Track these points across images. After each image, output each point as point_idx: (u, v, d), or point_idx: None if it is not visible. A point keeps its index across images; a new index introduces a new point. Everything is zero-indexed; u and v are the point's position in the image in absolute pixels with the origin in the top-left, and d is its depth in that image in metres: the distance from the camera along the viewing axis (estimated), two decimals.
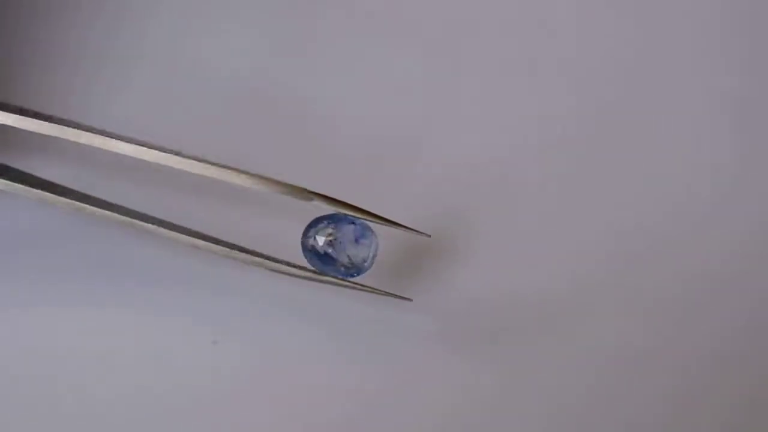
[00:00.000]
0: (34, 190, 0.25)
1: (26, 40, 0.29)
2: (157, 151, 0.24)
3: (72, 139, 0.24)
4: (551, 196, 0.28)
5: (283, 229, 0.26)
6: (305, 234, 0.25)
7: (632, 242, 0.27)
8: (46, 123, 0.24)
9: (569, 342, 0.26)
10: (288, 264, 0.25)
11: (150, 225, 0.25)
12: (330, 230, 0.25)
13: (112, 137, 0.24)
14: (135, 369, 0.25)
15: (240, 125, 0.28)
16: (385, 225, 0.25)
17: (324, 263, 0.25)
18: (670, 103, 0.29)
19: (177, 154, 0.24)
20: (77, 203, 0.25)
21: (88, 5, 0.29)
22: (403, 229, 0.25)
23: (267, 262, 0.25)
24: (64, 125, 0.24)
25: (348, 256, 0.25)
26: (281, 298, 0.26)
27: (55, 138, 0.24)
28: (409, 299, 0.25)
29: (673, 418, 0.25)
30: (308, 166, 0.26)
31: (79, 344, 0.26)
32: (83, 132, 0.24)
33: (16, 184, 0.25)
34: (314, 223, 0.25)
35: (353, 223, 0.25)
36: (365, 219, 0.25)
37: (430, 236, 0.25)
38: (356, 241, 0.25)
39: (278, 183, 0.25)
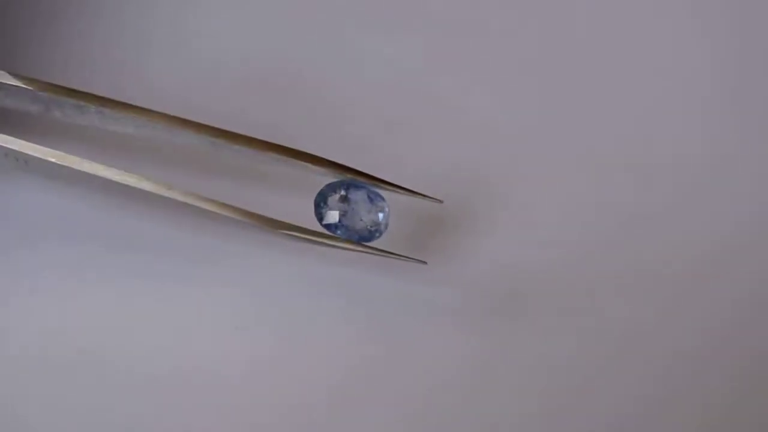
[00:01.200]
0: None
1: (36, 14, 0.30)
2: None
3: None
4: (567, 167, 0.28)
5: (296, 197, 0.26)
6: (317, 204, 0.25)
7: (652, 217, 0.27)
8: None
9: (580, 314, 0.26)
10: (303, 229, 0.25)
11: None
12: (341, 203, 0.25)
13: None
14: (158, 354, 0.26)
15: (253, 91, 0.28)
16: (397, 192, 0.25)
17: (337, 231, 0.25)
18: (676, 77, 0.30)
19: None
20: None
21: None
22: (415, 195, 0.25)
23: (281, 225, 0.25)
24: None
25: (361, 219, 0.25)
26: (302, 283, 0.26)
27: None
28: (424, 262, 0.25)
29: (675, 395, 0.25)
30: (322, 138, 0.27)
31: (101, 331, 0.26)
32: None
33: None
34: (326, 191, 0.25)
35: (364, 188, 0.25)
36: (377, 186, 0.25)
37: (442, 202, 0.26)
38: (368, 207, 0.25)
39: (290, 150, 0.25)
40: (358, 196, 0.25)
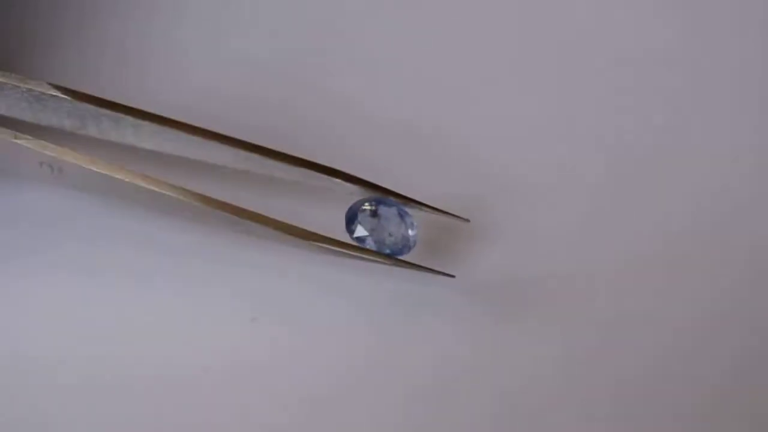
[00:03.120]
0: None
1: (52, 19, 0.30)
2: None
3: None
4: (583, 185, 0.29)
5: (324, 209, 0.27)
6: (348, 219, 0.26)
7: (673, 236, 0.28)
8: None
9: (582, 319, 0.27)
10: (334, 241, 0.26)
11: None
12: (372, 218, 0.26)
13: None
14: (174, 346, 0.26)
15: (276, 108, 0.29)
16: (425, 210, 0.26)
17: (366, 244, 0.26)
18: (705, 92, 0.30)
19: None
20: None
21: None
22: (444, 214, 0.26)
23: (309, 237, 0.26)
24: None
25: (390, 235, 0.26)
26: (319, 275, 0.27)
27: None
28: (452, 276, 0.26)
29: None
30: (345, 151, 0.28)
31: (116, 322, 0.26)
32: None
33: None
34: (356, 207, 0.26)
35: (394, 205, 0.26)
36: (406, 204, 0.26)
37: (469, 221, 0.26)
38: (398, 222, 0.26)
39: (318, 165, 0.26)
40: (388, 212, 0.26)
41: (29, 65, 0.29)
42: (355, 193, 0.26)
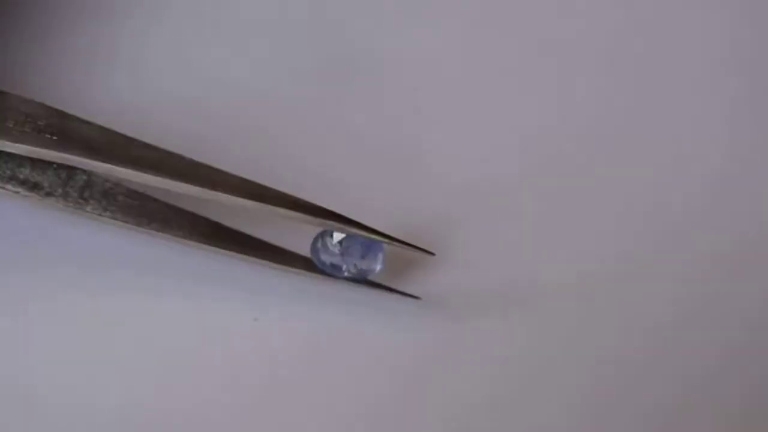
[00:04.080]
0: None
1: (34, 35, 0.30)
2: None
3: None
4: (550, 199, 0.29)
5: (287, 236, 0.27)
6: (314, 249, 0.26)
7: (630, 243, 0.28)
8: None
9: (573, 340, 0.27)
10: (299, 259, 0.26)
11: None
12: (337, 251, 0.26)
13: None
14: (177, 346, 0.27)
15: (239, 127, 0.29)
16: (392, 244, 0.26)
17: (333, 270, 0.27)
18: (673, 97, 0.30)
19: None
20: None
21: None
22: (411, 248, 0.26)
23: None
24: None
25: (355, 265, 0.26)
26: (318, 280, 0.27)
27: None
28: (432, 253, 0.26)
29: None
30: (308, 170, 0.28)
31: (118, 322, 0.27)
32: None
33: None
34: (322, 237, 0.26)
35: (358, 243, 0.26)
36: (372, 237, 0.26)
37: (434, 254, 0.27)
38: (363, 256, 0.26)
39: (287, 200, 0.26)
40: (353, 247, 0.26)
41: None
42: (322, 225, 0.26)
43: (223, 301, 0.27)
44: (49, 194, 0.26)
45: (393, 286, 0.27)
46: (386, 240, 0.26)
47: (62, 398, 0.26)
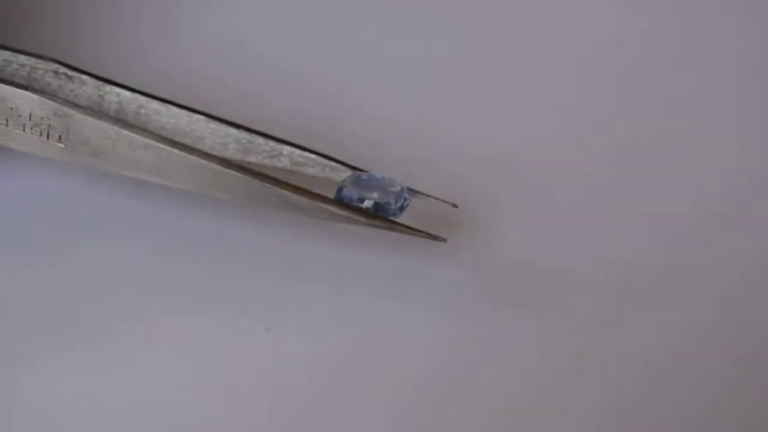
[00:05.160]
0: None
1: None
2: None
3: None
4: (577, 178, 0.29)
5: None
6: (338, 188, 0.27)
7: (662, 238, 0.28)
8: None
9: (572, 313, 0.27)
10: (329, 200, 0.26)
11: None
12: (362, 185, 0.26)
13: None
14: (188, 356, 0.26)
15: (266, 99, 0.29)
16: (414, 195, 0.27)
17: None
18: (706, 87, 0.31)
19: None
20: None
21: None
22: (431, 198, 0.27)
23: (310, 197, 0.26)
24: None
25: (378, 193, 0.26)
26: (331, 285, 0.27)
27: None
28: (444, 239, 0.26)
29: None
30: (335, 144, 0.28)
31: (131, 333, 0.26)
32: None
33: None
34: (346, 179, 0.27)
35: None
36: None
37: (457, 206, 0.27)
38: (389, 185, 0.26)
39: (315, 151, 0.27)
40: (380, 177, 0.27)
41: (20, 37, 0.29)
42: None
43: (234, 311, 0.27)
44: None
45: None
46: (410, 191, 0.27)
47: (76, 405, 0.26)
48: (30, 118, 0.26)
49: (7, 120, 0.26)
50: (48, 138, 0.26)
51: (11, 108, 0.26)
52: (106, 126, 0.26)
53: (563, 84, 0.30)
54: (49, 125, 0.26)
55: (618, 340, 0.27)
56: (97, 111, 0.26)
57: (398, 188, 0.26)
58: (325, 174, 0.27)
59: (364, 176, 0.26)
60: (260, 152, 0.27)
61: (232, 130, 0.27)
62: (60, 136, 0.26)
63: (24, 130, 0.26)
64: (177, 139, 0.27)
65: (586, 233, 0.28)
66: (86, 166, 0.26)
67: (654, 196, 0.29)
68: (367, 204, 0.26)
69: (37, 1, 0.30)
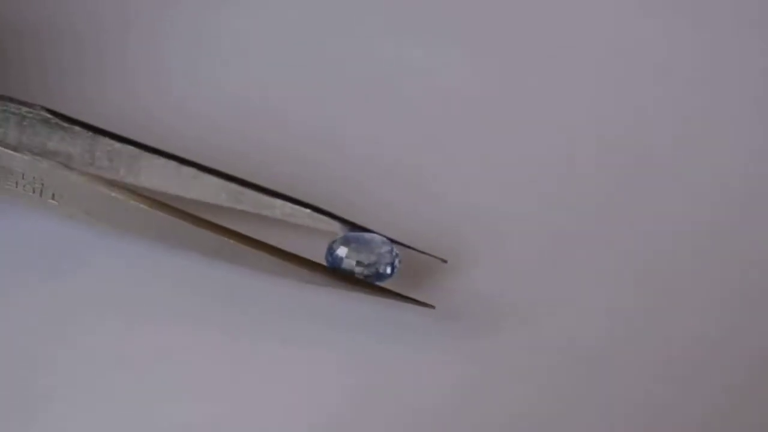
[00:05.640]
0: None
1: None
2: None
3: None
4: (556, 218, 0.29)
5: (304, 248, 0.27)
6: (330, 248, 0.27)
7: (652, 261, 0.29)
8: None
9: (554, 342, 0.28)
10: (318, 266, 0.26)
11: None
12: (352, 247, 0.27)
13: None
14: (202, 369, 0.27)
15: (255, 142, 0.29)
16: (405, 248, 0.27)
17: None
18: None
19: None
20: None
21: None
22: (422, 254, 0.27)
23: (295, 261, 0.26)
24: None
25: (372, 252, 0.27)
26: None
27: None
28: (432, 306, 0.27)
29: None
30: (322, 189, 0.28)
31: (141, 350, 0.27)
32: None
33: None
34: (338, 239, 0.27)
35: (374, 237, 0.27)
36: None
37: (446, 261, 0.28)
38: (377, 251, 0.27)
39: (304, 203, 0.27)
40: (371, 237, 0.27)
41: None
42: (337, 231, 0.27)
43: (247, 323, 0.27)
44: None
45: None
46: (399, 245, 0.27)
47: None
48: (23, 177, 0.26)
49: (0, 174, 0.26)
50: (41, 196, 0.26)
51: (3, 166, 0.26)
52: (97, 188, 0.26)
53: (532, 127, 0.30)
54: (42, 184, 0.26)
55: (605, 367, 0.27)
56: (87, 173, 0.26)
57: (388, 250, 0.27)
58: (315, 225, 0.27)
59: (353, 237, 0.27)
60: (252, 202, 0.27)
61: (224, 182, 0.27)
62: (53, 195, 0.26)
63: (17, 186, 0.26)
64: (169, 189, 0.27)
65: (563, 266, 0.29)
66: (82, 222, 0.27)
67: (640, 249, 0.29)
68: (358, 269, 0.27)
69: (22, 50, 0.30)
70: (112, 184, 0.26)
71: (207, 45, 0.31)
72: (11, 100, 0.27)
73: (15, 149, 0.27)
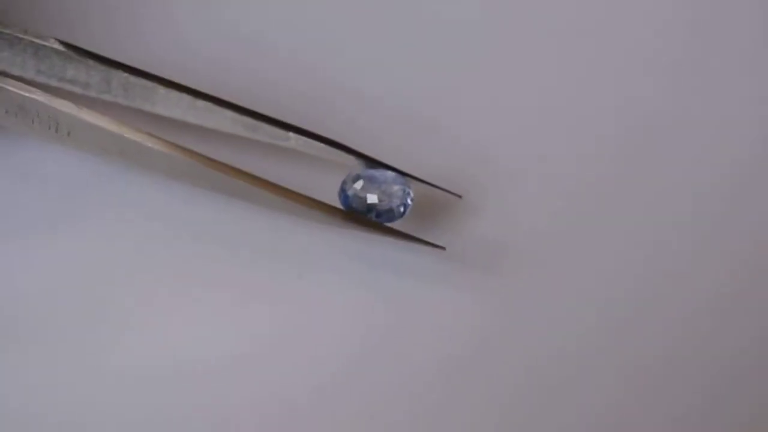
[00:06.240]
0: None
1: None
2: None
3: None
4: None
5: (318, 182, 0.27)
6: (344, 184, 0.27)
7: (656, 214, 0.28)
8: None
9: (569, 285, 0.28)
10: (330, 207, 0.27)
11: None
12: (365, 186, 0.27)
13: None
14: (218, 303, 0.27)
15: (266, 83, 0.29)
16: (420, 183, 0.27)
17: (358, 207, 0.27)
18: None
19: None
20: None
21: None
22: (438, 189, 0.27)
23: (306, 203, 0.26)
24: None
25: (385, 190, 0.27)
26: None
27: None
28: (443, 248, 0.27)
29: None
30: (340, 129, 0.28)
31: (163, 284, 0.27)
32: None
33: None
34: (352, 174, 0.27)
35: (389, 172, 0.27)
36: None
37: (461, 197, 0.27)
38: (393, 180, 0.27)
39: (319, 136, 0.27)
40: (384, 175, 0.27)
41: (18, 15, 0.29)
42: (352, 166, 0.27)
43: (266, 259, 0.28)
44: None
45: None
46: (415, 179, 0.27)
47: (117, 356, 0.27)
48: (38, 114, 0.26)
49: (17, 113, 0.27)
50: (57, 131, 0.27)
51: (19, 103, 0.26)
52: (110, 127, 0.26)
53: (553, 81, 0.30)
54: (57, 122, 0.26)
55: (616, 321, 0.28)
56: (99, 111, 0.26)
57: (401, 188, 0.27)
58: (329, 157, 0.27)
59: (366, 173, 0.27)
60: (266, 134, 0.27)
61: (238, 116, 0.27)
62: (68, 132, 0.27)
63: (33, 123, 0.27)
64: (186, 119, 0.27)
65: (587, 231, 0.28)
66: (97, 157, 0.27)
67: (652, 196, 0.29)
68: (370, 208, 0.27)
69: None
70: (124, 123, 0.26)
71: None
72: (25, 32, 0.27)
73: (34, 78, 0.27)
